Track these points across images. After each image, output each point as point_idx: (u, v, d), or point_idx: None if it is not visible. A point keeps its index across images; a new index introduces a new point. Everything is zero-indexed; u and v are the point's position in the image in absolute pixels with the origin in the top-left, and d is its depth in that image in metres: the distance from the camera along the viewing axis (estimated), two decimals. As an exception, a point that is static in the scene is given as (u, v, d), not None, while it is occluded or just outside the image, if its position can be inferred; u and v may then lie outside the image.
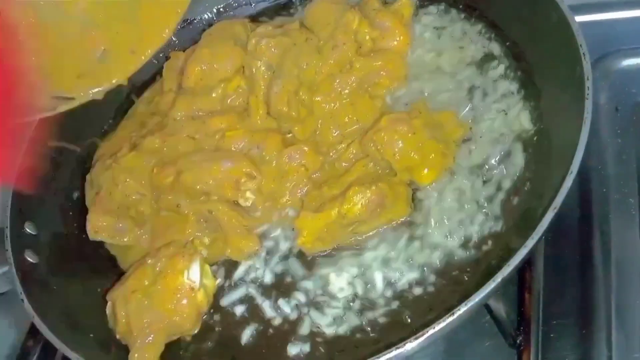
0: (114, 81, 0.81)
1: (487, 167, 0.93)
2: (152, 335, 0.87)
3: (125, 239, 1.01)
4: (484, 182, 0.92)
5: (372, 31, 1.04)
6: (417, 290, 0.87)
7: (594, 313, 0.90)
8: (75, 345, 0.85)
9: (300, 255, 0.94)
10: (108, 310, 0.92)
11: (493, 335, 0.91)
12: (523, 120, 0.95)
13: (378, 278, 0.88)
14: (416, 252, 0.89)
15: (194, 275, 0.89)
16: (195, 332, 0.91)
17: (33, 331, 1.04)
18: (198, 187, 0.99)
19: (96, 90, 0.79)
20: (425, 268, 0.88)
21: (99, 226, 1.02)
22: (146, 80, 1.25)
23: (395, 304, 0.86)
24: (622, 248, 0.94)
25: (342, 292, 0.89)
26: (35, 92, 0.70)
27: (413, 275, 0.88)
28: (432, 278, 0.87)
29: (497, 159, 0.93)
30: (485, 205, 0.90)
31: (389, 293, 0.87)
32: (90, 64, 0.76)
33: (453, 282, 0.86)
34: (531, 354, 0.86)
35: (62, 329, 0.87)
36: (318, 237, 0.92)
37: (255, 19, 1.27)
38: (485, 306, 0.87)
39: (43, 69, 0.70)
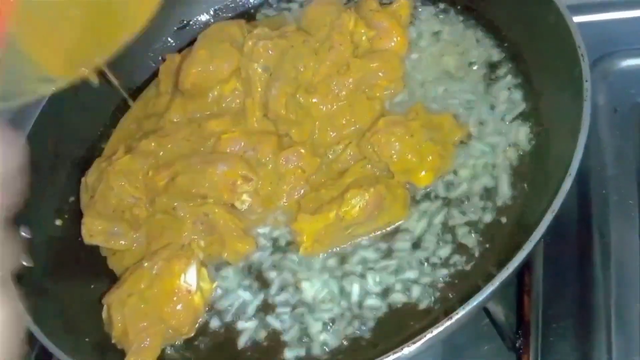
0: (97, 59, 0.79)
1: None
2: (148, 339, 0.86)
3: (120, 243, 1.01)
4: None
5: (369, 31, 1.04)
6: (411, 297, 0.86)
7: (593, 315, 0.89)
8: (71, 349, 0.84)
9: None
10: (104, 314, 0.91)
11: (492, 338, 0.91)
12: (521, 123, 0.94)
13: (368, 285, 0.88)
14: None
15: (191, 278, 0.88)
16: (192, 335, 0.90)
17: (28, 336, 1.03)
18: (194, 190, 0.98)
19: (81, 71, 0.77)
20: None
21: (94, 230, 1.01)
22: (142, 82, 1.25)
23: (390, 308, 0.86)
24: (622, 250, 0.93)
25: (324, 301, 0.88)
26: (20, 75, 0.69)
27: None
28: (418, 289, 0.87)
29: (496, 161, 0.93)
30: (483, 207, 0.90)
31: (380, 298, 0.87)
32: (76, 45, 0.74)
33: (449, 286, 0.85)
34: (530, 357, 0.85)
35: (57, 334, 0.87)
36: (316, 240, 0.91)
37: (252, 19, 1.26)
38: (484, 309, 0.86)
39: (29, 52, 0.68)
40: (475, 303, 0.72)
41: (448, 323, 0.72)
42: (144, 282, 0.88)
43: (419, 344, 0.72)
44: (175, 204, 0.98)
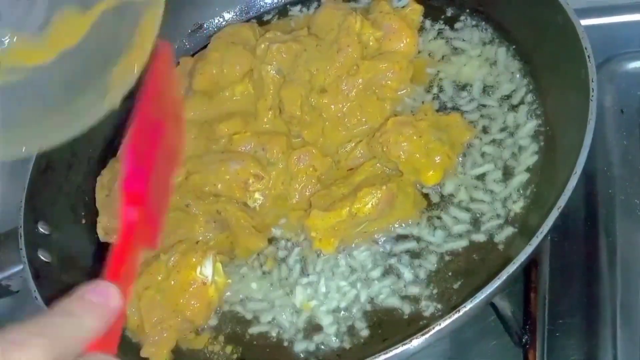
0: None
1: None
2: (163, 332, 0.88)
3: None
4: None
5: (376, 32, 1.05)
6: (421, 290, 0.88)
7: (599, 312, 0.90)
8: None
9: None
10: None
11: (499, 334, 0.92)
12: (529, 124, 0.96)
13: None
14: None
15: (207, 271, 0.90)
16: (204, 327, 0.93)
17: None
18: (207, 188, 1.00)
19: None
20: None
21: (109, 228, 1.04)
22: (157, 84, 1.27)
23: (399, 302, 0.88)
24: (628, 248, 0.94)
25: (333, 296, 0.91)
26: None
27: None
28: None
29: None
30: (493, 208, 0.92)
31: (390, 295, 0.89)
32: None
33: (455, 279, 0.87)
34: (537, 352, 0.87)
35: (74, 326, 0.89)
36: (328, 236, 0.93)
37: (264, 23, 1.28)
38: (491, 305, 0.88)
39: None
40: (482, 297, 0.74)
41: (456, 316, 0.73)
42: (161, 275, 0.90)
43: (427, 336, 0.73)
44: (189, 201, 1.00)
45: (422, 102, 1.04)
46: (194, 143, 1.07)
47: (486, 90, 1.02)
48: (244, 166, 1.01)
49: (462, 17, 1.12)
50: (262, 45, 1.10)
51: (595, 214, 0.99)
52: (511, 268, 0.75)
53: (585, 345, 0.89)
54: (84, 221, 1.10)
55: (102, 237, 1.05)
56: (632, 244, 0.95)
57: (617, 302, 0.90)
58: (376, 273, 0.90)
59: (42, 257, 0.98)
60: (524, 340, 0.88)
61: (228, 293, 0.95)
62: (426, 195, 0.95)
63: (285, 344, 0.89)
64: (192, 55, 1.25)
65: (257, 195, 1.02)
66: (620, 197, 0.99)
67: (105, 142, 1.20)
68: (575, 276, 0.94)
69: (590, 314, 0.91)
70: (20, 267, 0.97)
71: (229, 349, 0.91)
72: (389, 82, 1.03)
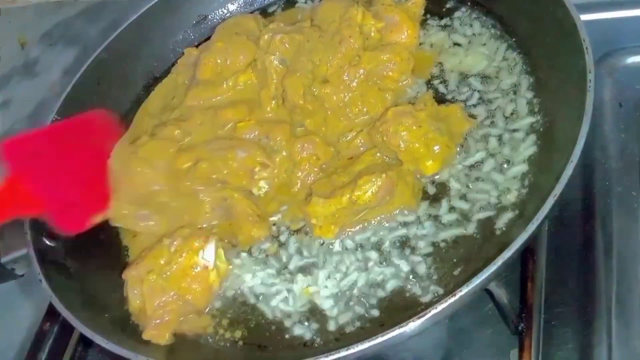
0: None
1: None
2: (165, 316, 0.90)
3: (140, 225, 1.04)
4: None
5: (377, 23, 1.07)
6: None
7: (595, 302, 0.92)
8: (91, 323, 0.88)
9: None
10: (125, 292, 0.95)
11: (495, 322, 0.93)
12: (528, 116, 0.97)
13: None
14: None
15: (209, 255, 0.92)
16: (206, 311, 0.94)
17: (50, 313, 1.07)
18: (214, 176, 1.02)
19: None
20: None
21: (120, 213, 1.05)
22: (161, 74, 1.28)
23: (397, 288, 0.89)
24: (623, 239, 0.95)
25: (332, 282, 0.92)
26: None
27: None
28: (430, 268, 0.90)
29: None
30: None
31: (388, 282, 0.90)
32: None
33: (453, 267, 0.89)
34: (533, 340, 0.88)
35: (78, 308, 0.90)
36: (328, 223, 0.94)
37: (267, 15, 1.30)
38: (488, 293, 0.89)
39: None
40: (477, 282, 0.75)
41: (452, 300, 0.75)
42: (163, 259, 0.91)
43: (423, 319, 0.75)
44: (197, 188, 1.01)
45: (420, 93, 1.05)
46: (201, 129, 1.09)
47: (486, 81, 1.03)
48: (251, 154, 1.02)
49: (462, 10, 1.13)
50: (266, 36, 1.11)
51: (592, 205, 1.00)
52: (506, 254, 0.76)
53: (581, 334, 0.90)
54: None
55: (113, 222, 1.06)
56: (628, 236, 0.96)
57: (613, 292, 0.92)
58: (375, 260, 0.92)
59: (47, 241, 1.00)
60: (520, 328, 0.90)
61: (229, 278, 0.96)
62: (425, 185, 0.96)
63: (286, 327, 0.90)
64: (197, 46, 1.27)
65: (262, 183, 1.03)
66: (617, 189, 1.00)
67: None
68: (571, 266, 0.96)
69: (586, 304, 0.92)
70: (25, 250, 0.99)
71: (230, 332, 0.93)
72: (391, 73, 1.05)
